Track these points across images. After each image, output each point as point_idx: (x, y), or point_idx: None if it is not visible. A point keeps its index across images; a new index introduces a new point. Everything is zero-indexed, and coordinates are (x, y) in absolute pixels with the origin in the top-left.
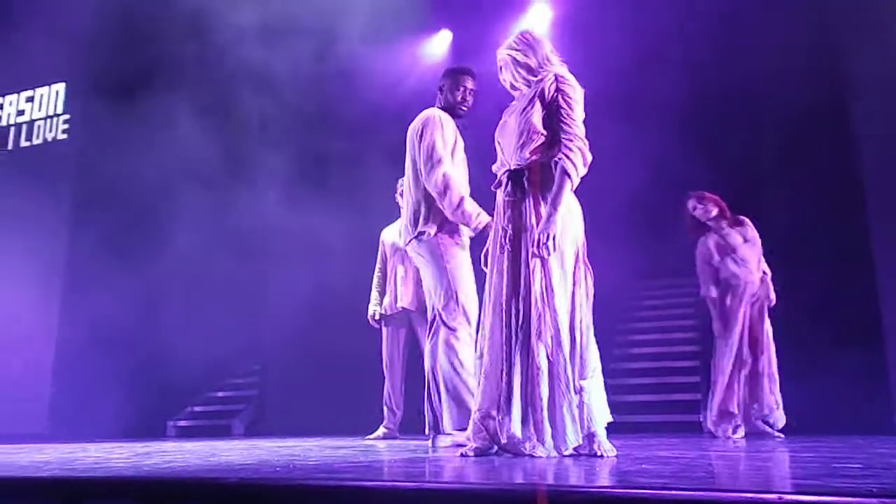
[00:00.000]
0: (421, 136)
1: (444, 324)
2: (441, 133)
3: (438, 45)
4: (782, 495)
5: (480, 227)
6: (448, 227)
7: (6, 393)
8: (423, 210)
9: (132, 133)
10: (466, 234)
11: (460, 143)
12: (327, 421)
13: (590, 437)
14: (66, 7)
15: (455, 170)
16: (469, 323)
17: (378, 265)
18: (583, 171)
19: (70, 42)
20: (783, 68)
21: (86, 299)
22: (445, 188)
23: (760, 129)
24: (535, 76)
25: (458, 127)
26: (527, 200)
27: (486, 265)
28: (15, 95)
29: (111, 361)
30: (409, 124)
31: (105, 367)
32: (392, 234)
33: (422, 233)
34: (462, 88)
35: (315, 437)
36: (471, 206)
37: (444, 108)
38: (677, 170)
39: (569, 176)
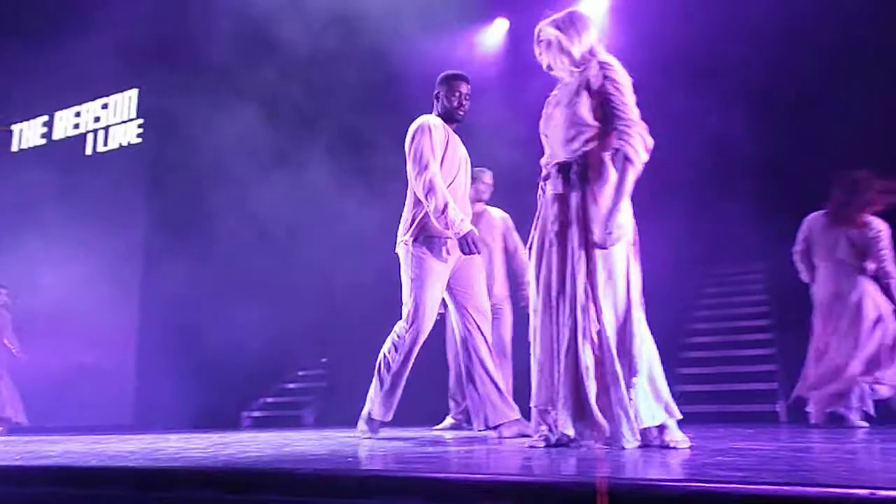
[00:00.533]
0: (411, 141)
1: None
2: (429, 139)
3: (494, 34)
4: (875, 491)
5: (462, 233)
6: (425, 239)
7: (95, 387)
8: (407, 217)
9: (200, 132)
10: (452, 245)
11: (455, 150)
12: (398, 412)
13: (661, 428)
14: (132, 16)
15: (441, 175)
16: (416, 333)
17: None
18: (644, 156)
19: (138, 49)
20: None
21: (162, 295)
22: (429, 192)
23: (825, 109)
24: (578, 67)
25: (455, 132)
26: (574, 194)
27: (530, 258)
28: (91, 103)
29: (188, 356)
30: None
31: (183, 361)
32: None
33: (402, 241)
34: (457, 94)
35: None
36: (454, 212)
37: (440, 115)
38: (739, 150)
39: (632, 162)
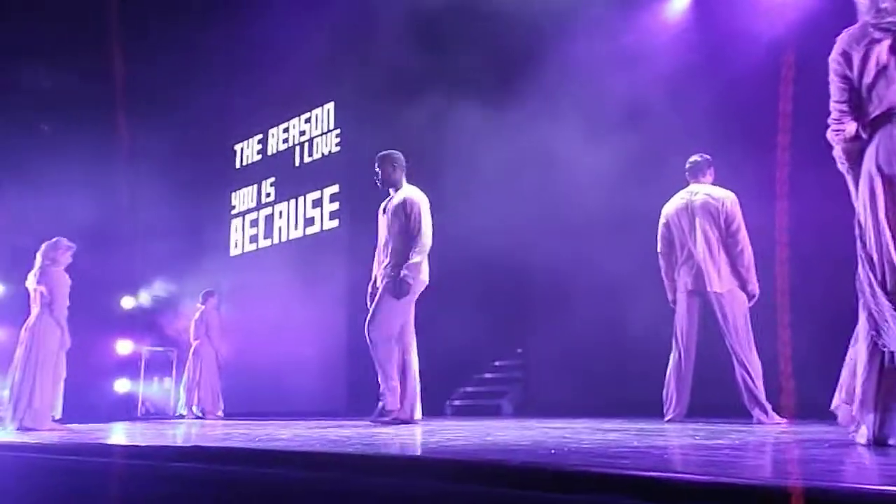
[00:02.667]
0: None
1: None
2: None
3: (679, 2)
4: None
5: None
6: None
7: (312, 374)
8: None
9: (391, 136)
10: None
11: None
12: (593, 402)
13: None
14: (325, 35)
15: None
16: None
17: (661, 245)
18: None
19: (334, 64)
20: None
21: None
22: None
23: None
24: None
25: None
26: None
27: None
28: (297, 119)
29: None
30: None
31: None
32: (676, 211)
33: None
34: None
35: (582, 418)
36: None
37: None
38: None
39: None
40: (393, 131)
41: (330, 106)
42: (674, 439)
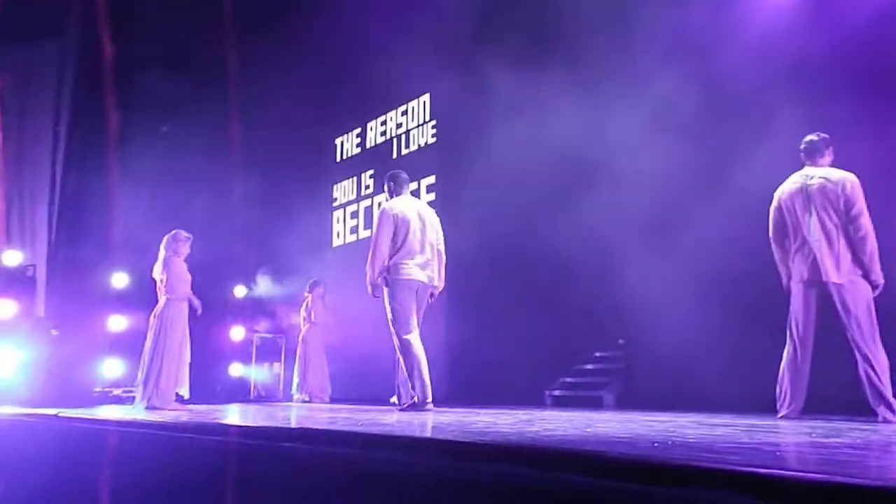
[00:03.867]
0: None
1: None
2: None
3: None
4: None
5: None
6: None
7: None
8: None
9: (485, 125)
10: None
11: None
12: (700, 397)
13: None
14: (421, 26)
15: None
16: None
17: (773, 231)
18: None
19: (427, 56)
20: None
21: (465, 274)
22: None
23: None
24: None
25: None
26: None
27: None
28: (394, 111)
29: (491, 335)
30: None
31: (486, 339)
32: (790, 194)
33: None
34: None
35: (688, 412)
36: None
37: None
38: None
39: None
40: (485, 121)
41: (426, 97)
42: (787, 436)
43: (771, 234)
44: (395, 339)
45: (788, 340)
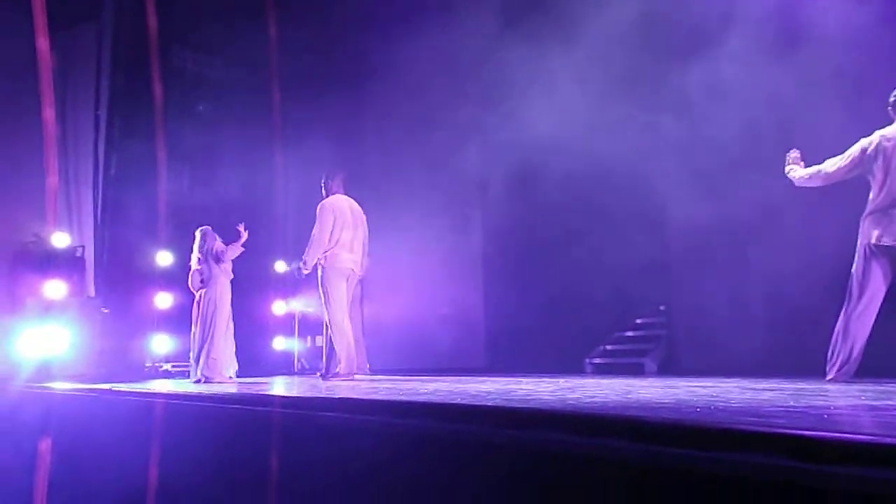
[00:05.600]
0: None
1: None
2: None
3: None
4: None
5: None
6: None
7: (450, 332)
8: None
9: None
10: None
11: None
12: (745, 362)
13: None
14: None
15: None
16: None
17: (844, 164)
18: None
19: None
20: None
21: (503, 242)
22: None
23: None
24: None
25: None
26: None
27: None
28: None
29: (531, 304)
30: None
31: (526, 309)
32: (876, 146)
33: None
34: None
35: (733, 378)
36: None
37: None
38: None
39: None
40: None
41: None
42: (837, 399)
43: (840, 165)
44: None
45: (847, 300)
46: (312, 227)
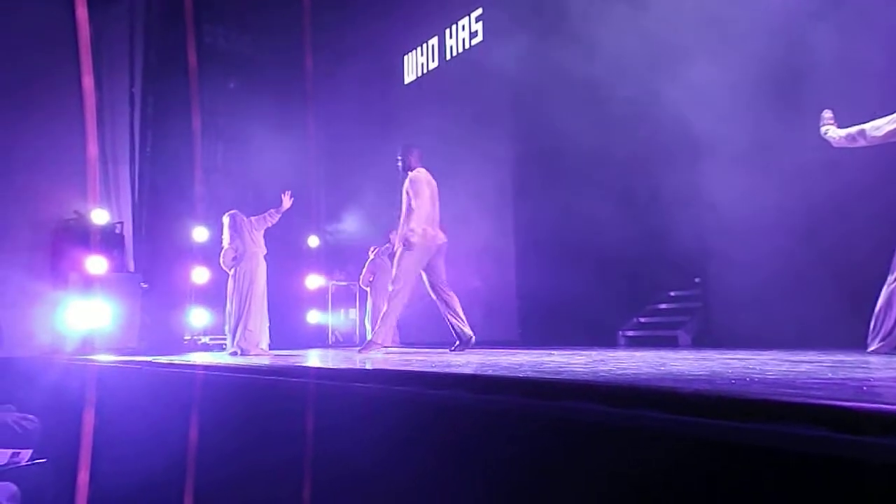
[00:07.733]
0: None
1: None
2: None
3: None
4: None
5: None
6: None
7: (483, 303)
8: None
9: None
10: None
11: None
12: (782, 334)
13: None
14: None
15: None
16: None
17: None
18: None
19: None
20: None
21: (534, 215)
22: None
23: None
24: None
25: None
26: None
27: None
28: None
29: (563, 276)
30: None
31: (558, 281)
32: None
33: None
34: None
35: (769, 350)
36: None
37: None
38: None
39: None
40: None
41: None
42: (878, 371)
43: (889, 129)
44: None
45: (890, 273)
46: (344, 201)
